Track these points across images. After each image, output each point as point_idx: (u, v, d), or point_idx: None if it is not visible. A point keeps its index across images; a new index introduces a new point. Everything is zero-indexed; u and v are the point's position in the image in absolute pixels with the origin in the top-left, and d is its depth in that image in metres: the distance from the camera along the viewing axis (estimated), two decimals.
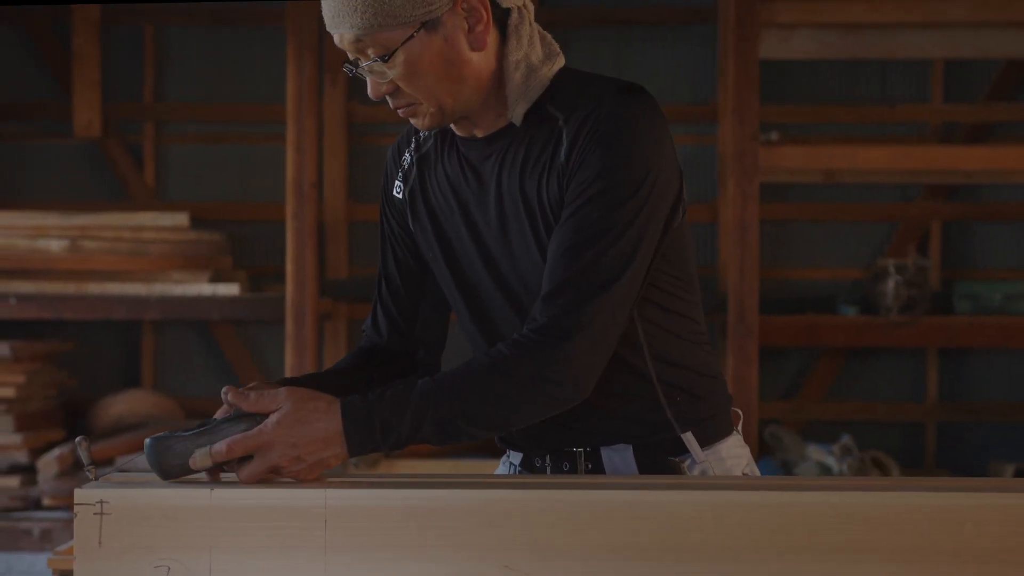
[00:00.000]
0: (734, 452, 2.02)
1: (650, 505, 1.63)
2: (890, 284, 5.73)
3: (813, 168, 5.69)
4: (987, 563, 1.59)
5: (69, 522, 5.26)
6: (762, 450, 5.78)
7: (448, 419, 1.78)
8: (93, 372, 6.26)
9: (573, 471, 1.98)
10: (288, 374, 5.32)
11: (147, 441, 1.68)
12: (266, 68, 6.12)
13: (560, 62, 1.94)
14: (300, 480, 1.73)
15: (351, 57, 1.88)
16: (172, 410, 6.05)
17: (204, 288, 5.73)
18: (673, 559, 1.62)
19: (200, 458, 1.70)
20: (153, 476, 1.72)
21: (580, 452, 1.99)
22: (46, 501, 5.49)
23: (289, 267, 5.42)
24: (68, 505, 5.38)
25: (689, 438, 1.96)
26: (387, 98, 1.90)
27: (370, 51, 1.84)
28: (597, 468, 1.97)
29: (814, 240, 6.21)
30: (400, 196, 2.04)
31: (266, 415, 1.74)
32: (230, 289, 5.73)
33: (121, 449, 5.48)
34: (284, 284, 5.55)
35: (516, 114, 1.91)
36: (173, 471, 1.69)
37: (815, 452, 5.59)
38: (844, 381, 6.21)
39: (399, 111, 1.91)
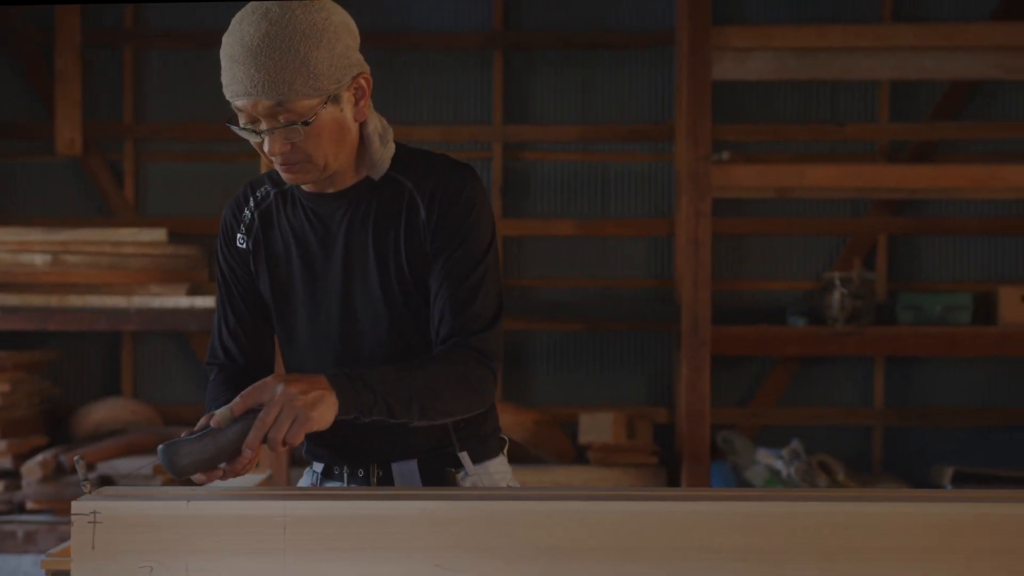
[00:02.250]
0: (500, 469, 2.39)
1: (567, 512, 1.87)
2: (836, 296, 5.87)
3: (764, 186, 5.77)
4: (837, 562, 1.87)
5: (52, 525, 5.34)
6: (715, 455, 5.94)
7: (411, 397, 2.10)
8: (75, 381, 6.33)
9: (366, 480, 2.31)
10: None
11: (160, 447, 1.93)
12: None
13: (392, 134, 2.30)
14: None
15: (248, 119, 2.15)
16: (150, 417, 6.11)
17: (181, 300, 5.79)
18: (584, 558, 1.86)
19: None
20: (139, 490, 1.94)
21: (373, 465, 2.33)
22: (30, 505, 5.51)
23: None
24: (51, 509, 5.44)
25: (464, 456, 2.34)
26: (277, 156, 2.19)
27: (281, 117, 2.13)
28: (387, 477, 2.31)
29: (769, 253, 6.31)
30: (243, 246, 2.37)
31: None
32: (206, 301, 5.79)
33: (102, 454, 5.56)
34: None
35: (378, 171, 2.26)
36: (185, 470, 1.95)
37: (764, 456, 5.70)
38: (796, 388, 6.31)
39: (285, 166, 2.21)
